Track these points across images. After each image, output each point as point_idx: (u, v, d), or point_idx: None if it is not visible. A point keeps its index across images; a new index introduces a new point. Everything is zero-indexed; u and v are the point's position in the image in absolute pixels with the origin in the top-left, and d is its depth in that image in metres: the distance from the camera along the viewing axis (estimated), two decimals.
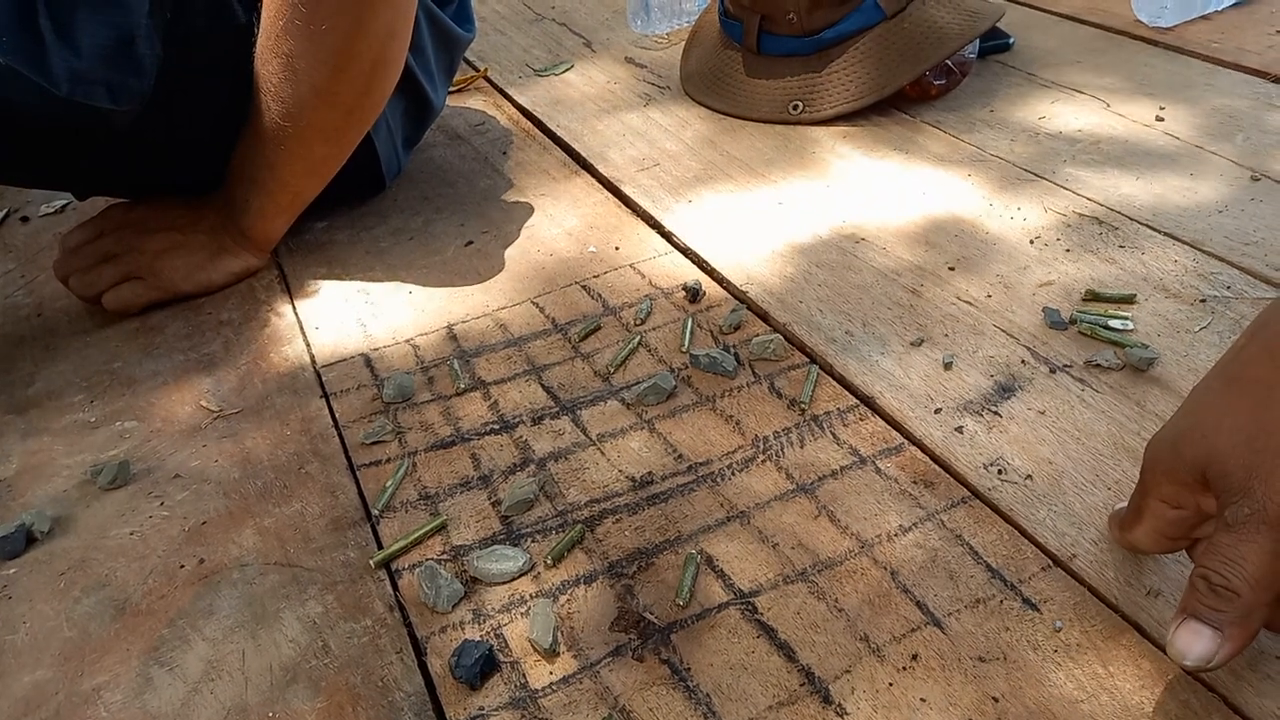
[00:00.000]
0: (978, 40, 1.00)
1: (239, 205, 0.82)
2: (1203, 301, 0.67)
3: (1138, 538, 0.46)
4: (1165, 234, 0.75)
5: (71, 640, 0.52)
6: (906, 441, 0.59)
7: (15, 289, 0.88)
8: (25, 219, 1.00)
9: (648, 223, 0.86)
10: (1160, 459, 0.43)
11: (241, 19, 0.75)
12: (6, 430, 0.69)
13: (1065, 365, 0.63)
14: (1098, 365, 0.62)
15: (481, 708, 0.46)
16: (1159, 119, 0.93)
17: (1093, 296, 0.69)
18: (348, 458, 0.62)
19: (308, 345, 0.74)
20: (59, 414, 0.70)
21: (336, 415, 0.66)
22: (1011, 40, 1.11)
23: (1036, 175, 0.86)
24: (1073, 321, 0.66)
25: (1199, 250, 0.73)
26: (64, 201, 1.02)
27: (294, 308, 0.80)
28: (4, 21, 0.66)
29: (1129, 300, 0.68)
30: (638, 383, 0.65)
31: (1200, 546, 0.43)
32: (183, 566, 0.56)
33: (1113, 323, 0.65)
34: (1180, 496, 0.42)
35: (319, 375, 0.71)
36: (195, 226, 0.83)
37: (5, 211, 1.01)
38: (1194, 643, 0.38)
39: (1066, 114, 0.96)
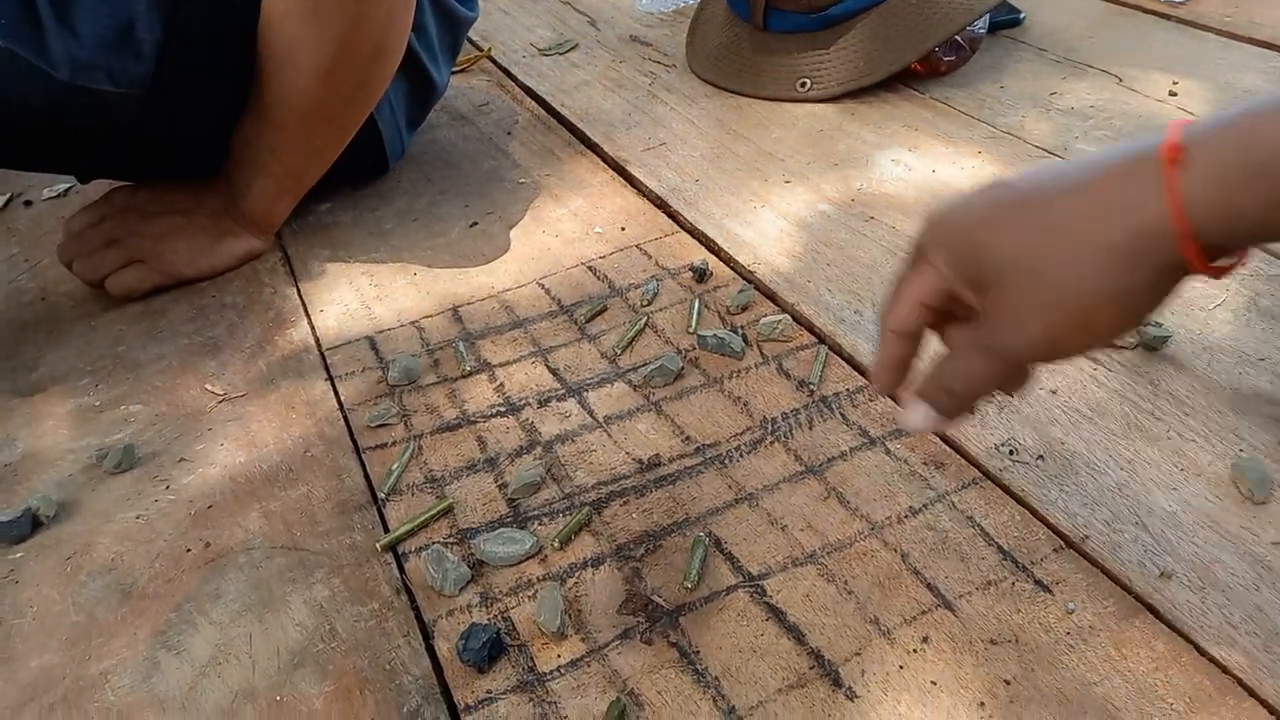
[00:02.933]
0: (988, 15, 0.98)
1: (241, 188, 0.81)
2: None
3: (898, 307, 0.44)
4: None
5: (78, 624, 0.52)
6: None
7: (19, 273, 0.87)
8: (28, 203, 1.00)
9: (654, 203, 0.85)
10: (949, 239, 0.42)
11: (241, 4, 0.74)
12: (12, 414, 0.69)
13: None
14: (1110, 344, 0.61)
15: (489, 691, 0.46)
16: (1172, 94, 0.91)
17: None
18: (353, 440, 0.62)
19: (312, 328, 0.74)
20: (64, 398, 0.69)
21: (342, 398, 0.66)
22: (1022, 15, 1.10)
23: (1048, 152, 0.84)
24: None
25: None
26: (67, 185, 1.01)
27: (298, 290, 0.79)
28: (4, 6, 0.65)
29: None
30: (645, 364, 0.65)
31: (950, 337, 0.44)
32: (189, 550, 0.56)
33: None
34: (947, 280, 0.42)
35: (324, 358, 0.70)
36: (198, 210, 0.82)
37: (8, 195, 1.01)
38: (918, 418, 0.44)
39: (1078, 90, 0.94)
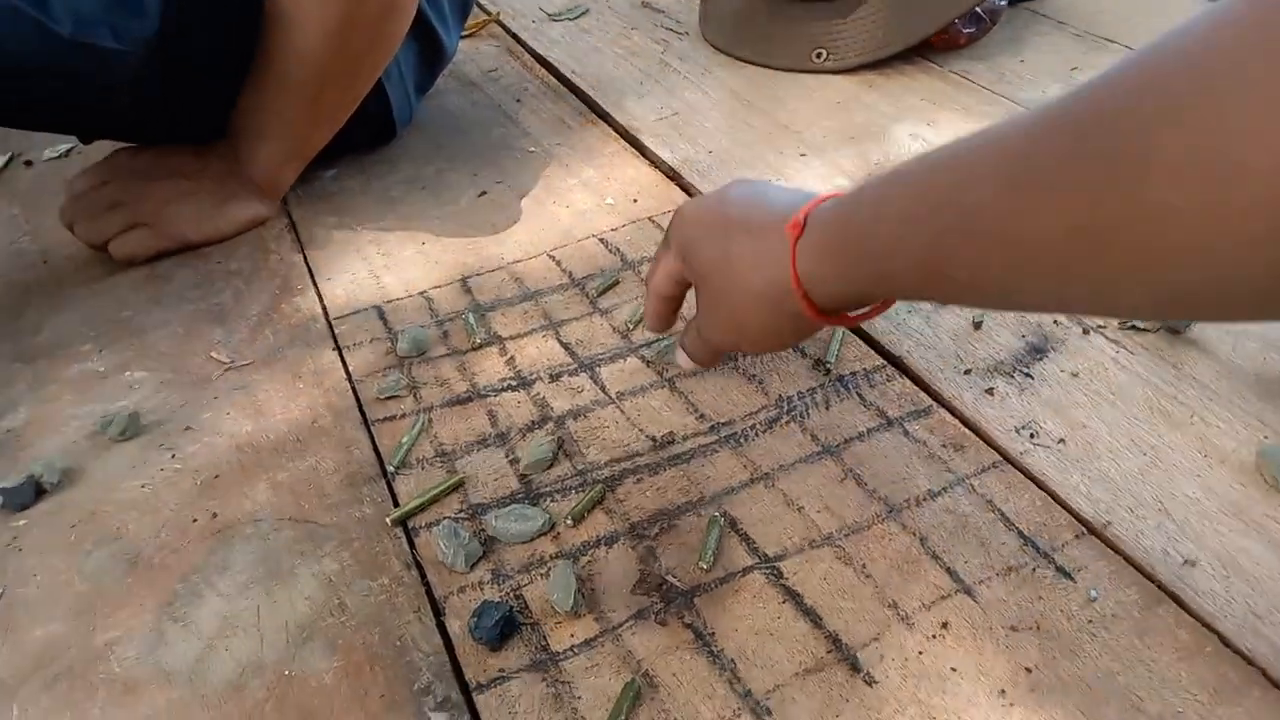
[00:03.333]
0: None
1: (247, 153, 0.79)
2: None
3: (653, 277, 0.56)
4: None
5: (83, 594, 0.51)
6: (935, 403, 0.57)
7: (20, 235, 0.86)
8: (29, 163, 0.98)
9: (667, 174, 0.84)
10: (678, 233, 0.53)
11: None
12: (14, 379, 0.68)
13: (1099, 326, 0.61)
14: (1132, 326, 0.61)
15: (502, 670, 0.45)
16: None
17: None
18: (362, 412, 0.61)
19: (319, 296, 0.73)
20: (67, 363, 0.68)
21: (350, 368, 0.65)
22: None
23: None
24: None
25: None
26: (69, 146, 0.99)
27: (305, 258, 0.78)
28: None
29: None
30: (658, 339, 0.64)
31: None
32: (195, 520, 0.55)
33: None
34: (679, 267, 0.53)
35: (331, 327, 0.69)
36: (203, 174, 0.81)
37: (9, 156, 0.99)
38: (682, 361, 0.57)
39: (1100, 63, 0.92)
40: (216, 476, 0.58)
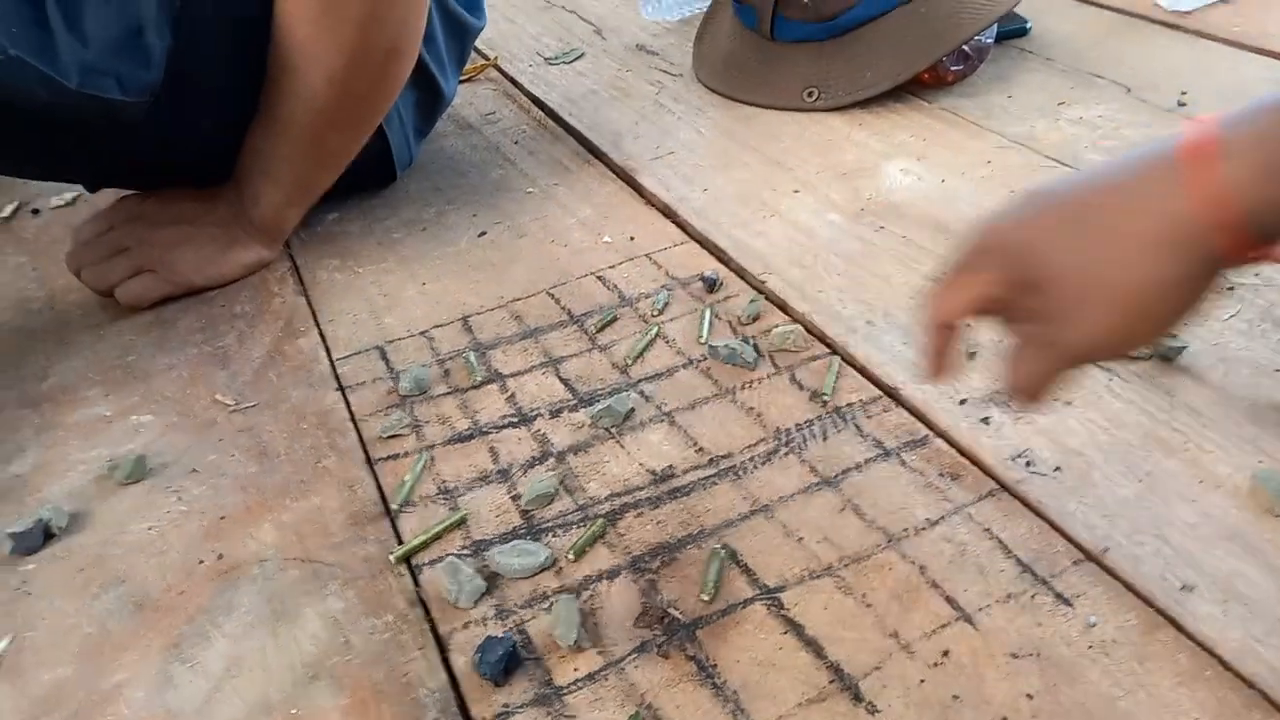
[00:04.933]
0: (995, 25, 0.98)
1: (250, 197, 0.81)
2: (1230, 289, 0.66)
3: (950, 304, 0.46)
4: None
5: (91, 637, 0.52)
6: (931, 433, 0.58)
7: (27, 281, 0.87)
8: (36, 211, 0.99)
9: (663, 212, 0.85)
10: (1000, 246, 0.44)
11: (250, 10, 0.74)
12: (21, 425, 0.68)
13: None
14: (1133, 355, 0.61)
15: (506, 705, 0.45)
16: (1181, 104, 0.91)
17: None
18: (365, 452, 0.62)
19: (322, 338, 0.74)
20: (73, 408, 0.69)
21: (353, 408, 0.66)
22: (1029, 25, 1.10)
23: (1058, 162, 0.84)
24: None
25: None
26: (74, 194, 1.01)
27: (307, 300, 0.79)
28: (12, 12, 0.65)
29: None
30: (657, 375, 0.65)
31: (1018, 333, 0.46)
32: (202, 562, 0.55)
33: None
34: (1001, 285, 0.44)
35: (334, 368, 0.70)
36: (206, 219, 0.82)
37: (16, 204, 1.01)
38: (1020, 396, 0.46)
39: (1087, 99, 0.94)
40: (222, 518, 0.58)
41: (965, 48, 0.98)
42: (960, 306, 0.46)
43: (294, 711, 0.46)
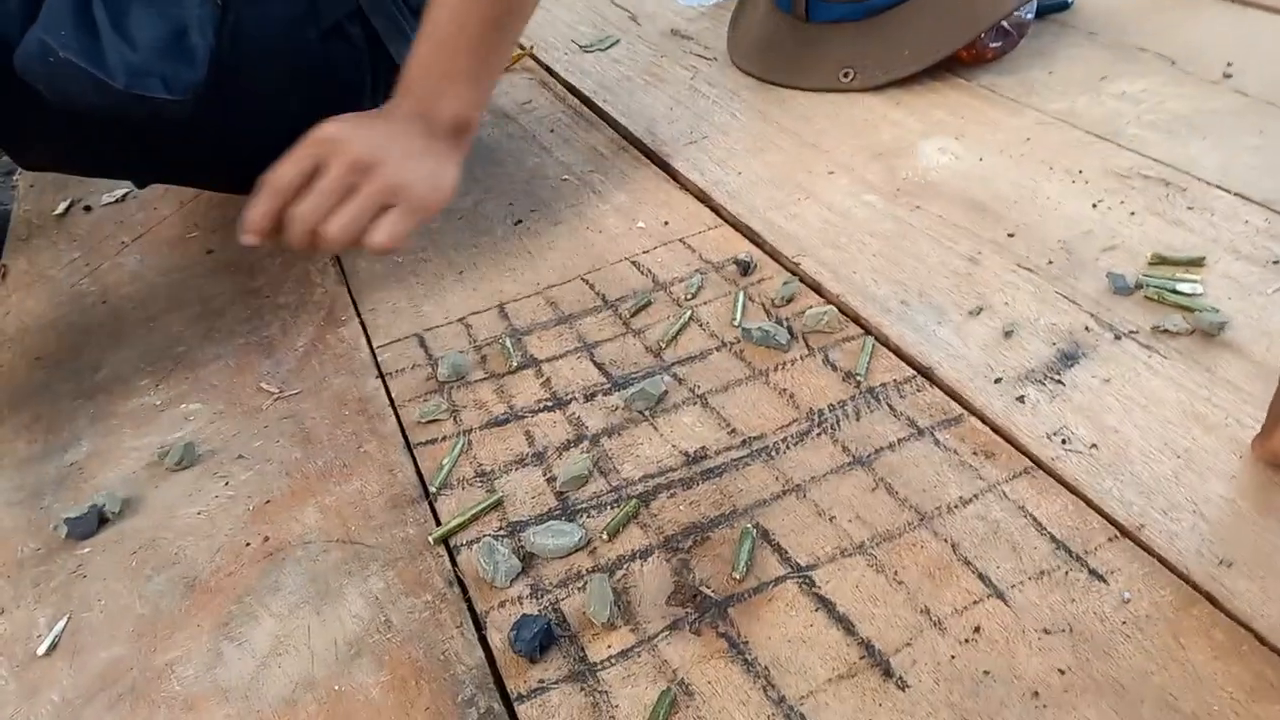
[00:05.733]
0: (1035, 0, 0.97)
1: (435, 104, 0.72)
2: (1275, 263, 0.65)
3: (1276, 447, 0.49)
4: (1235, 194, 0.73)
5: (144, 617, 0.54)
6: (966, 412, 0.57)
7: (80, 277, 0.90)
8: (88, 208, 1.03)
9: (697, 196, 0.85)
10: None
11: (294, 8, 0.76)
12: (77, 414, 0.71)
13: (1131, 331, 0.61)
14: (1165, 330, 0.60)
15: (542, 680, 0.46)
16: (1227, 76, 0.89)
17: (1159, 260, 0.67)
18: (405, 436, 0.63)
19: (363, 326, 0.75)
20: (126, 398, 0.72)
21: (393, 394, 0.67)
22: None
23: (1099, 137, 0.83)
24: (1138, 286, 0.64)
25: (1271, 210, 0.70)
26: (125, 191, 1.04)
27: (348, 289, 0.81)
28: (62, 15, 0.67)
29: (1198, 263, 0.66)
30: (690, 358, 0.65)
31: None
32: (248, 545, 0.57)
33: (1181, 286, 0.63)
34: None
35: (374, 355, 0.72)
36: (411, 137, 0.72)
37: (69, 201, 1.04)
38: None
39: (1130, 73, 0.93)
40: (267, 502, 0.60)
41: (1005, 24, 0.97)
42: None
43: (337, 687, 0.48)
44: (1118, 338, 0.61)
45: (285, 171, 0.69)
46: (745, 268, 0.73)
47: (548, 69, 1.17)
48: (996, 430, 0.56)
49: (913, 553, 0.49)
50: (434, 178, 0.72)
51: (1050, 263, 0.69)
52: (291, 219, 0.68)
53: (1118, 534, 0.48)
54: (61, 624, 0.54)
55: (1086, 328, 0.62)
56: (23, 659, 0.52)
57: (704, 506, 0.54)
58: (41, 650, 0.53)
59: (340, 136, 0.69)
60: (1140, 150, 0.80)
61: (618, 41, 1.20)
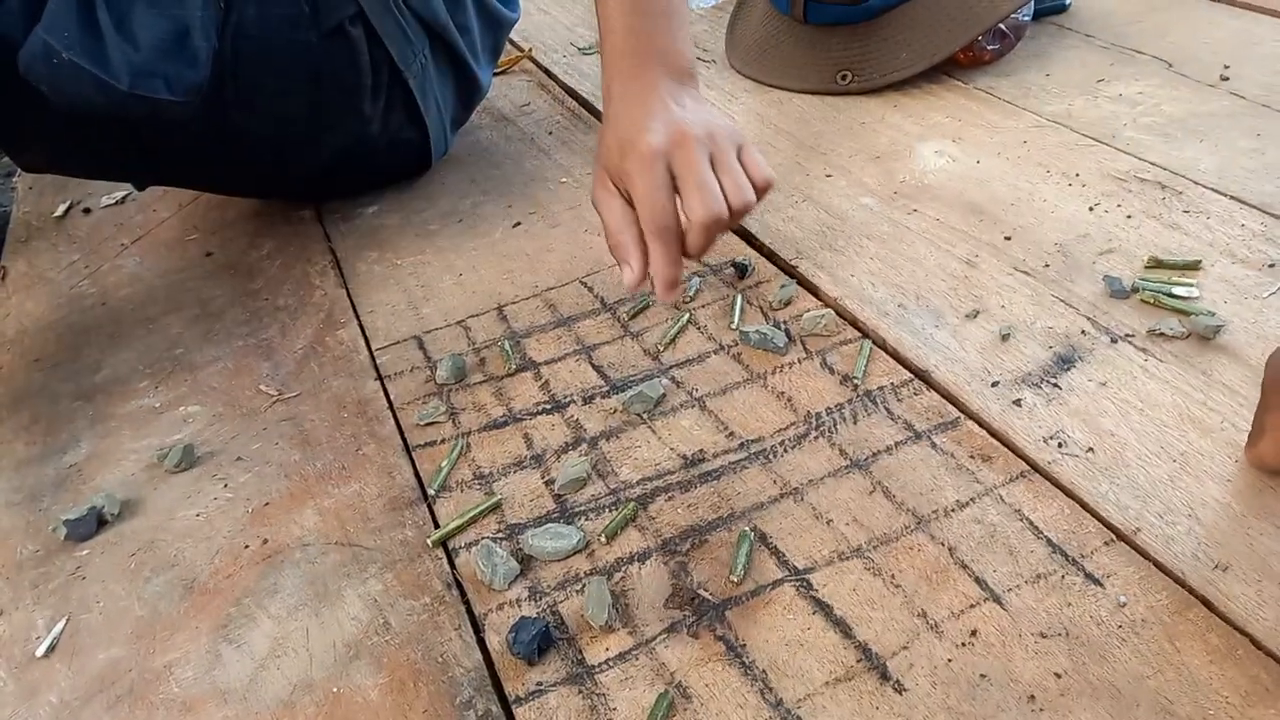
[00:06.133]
0: (1032, 2, 0.97)
1: (673, 53, 0.67)
2: (1271, 266, 0.65)
3: (1263, 454, 0.49)
4: (1231, 197, 0.73)
5: (143, 619, 0.54)
6: (963, 415, 0.58)
7: (80, 279, 0.90)
8: (87, 210, 1.03)
9: None
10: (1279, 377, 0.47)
11: (296, 8, 0.76)
12: (76, 416, 0.71)
13: (1127, 335, 0.61)
14: (1161, 334, 0.61)
15: (540, 683, 0.46)
16: (1224, 78, 0.89)
17: (1156, 264, 0.67)
18: (403, 439, 0.63)
19: (361, 329, 0.75)
20: (125, 400, 0.72)
21: (391, 397, 0.67)
22: (1068, 2, 1.08)
23: (1095, 140, 0.83)
24: (1135, 290, 0.65)
25: (1267, 214, 0.71)
26: (124, 193, 1.04)
27: (347, 292, 0.81)
28: (65, 17, 0.67)
29: (1194, 267, 0.66)
30: (688, 360, 0.65)
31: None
32: (247, 547, 0.57)
33: (1177, 290, 0.64)
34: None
35: (373, 358, 0.72)
36: (679, 95, 0.66)
37: (69, 203, 1.04)
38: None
39: (1126, 76, 0.93)
40: (266, 504, 0.60)
41: (1002, 26, 0.97)
42: (1268, 455, 0.49)
43: (335, 689, 0.48)
44: (1114, 341, 0.61)
45: (659, 203, 0.61)
46: (743, 270, 0.73)
47: (546, 71, 1.17)
48: (993, 434, 0.56)
49: (910, 556, 0.50)
50: (736, 135, 0.65)
51: (1047, 266, 0.69)
52: (695, 229, 0.61)
53: (1114, 538, 0.49)
54: (60, 625, 0.54)
55: (1083, 331, 0.62)
56: (21, 660, 0.53)
57: (702, 509, 0.54)
58: (40, 652, 0.53)
59: (657, 139, 0.62)
60: (1137, 153, 0.80)
61: None
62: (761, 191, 0.64)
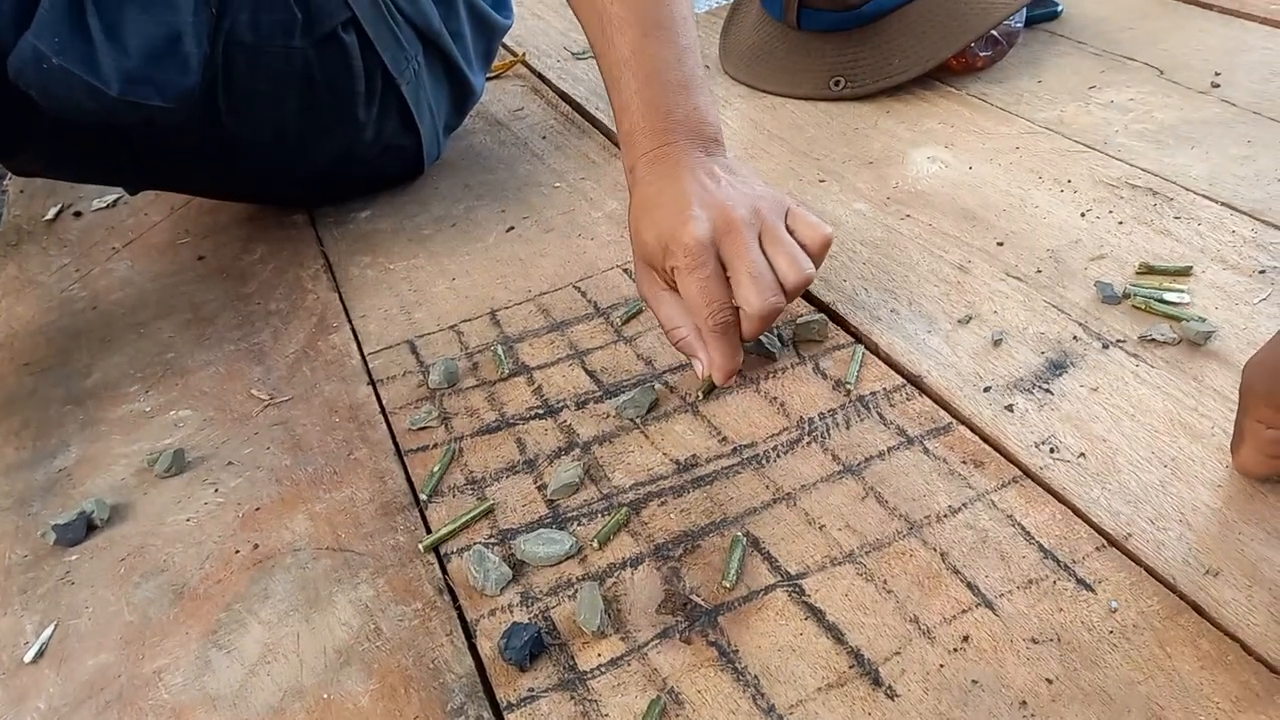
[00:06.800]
0: (1024, 9, 0.97)
1: (696, 117, 0.65)
2: (1262, 273, 0.65)
3: (1244, 460, 0.49)
4: (1222, 204, 0.73)
5: (133, 624, 0.53)
6: (955, 421, 0.58)
7: (70, 283, 0.90)
8: (78, 214, 1.02)
9: None
10: (1257, 383, 0.46)
11: (288, 13, 0.76)
12: (66, 420, 0.71)
13: (1119, 340, 0.62)
14: (1153, 340, 0.61)
15: (531, 689, 0.46)
16: (1215, 85, 0.90)
17: (1147, 270, 0.67)
18: (395, 444, 0.63)
19: (354, 333, 0.75)
20: (116, 404, 0.71)
21: (384, 402, 0.67)
22: (1060, 8, 1.09)
23: (1087, 147, 0.83)
24: (1126, 296, 0.65)
25: (1258, 220, 0.71)
26: (115, 196, 1.04)
27: (340, 296, 0.80)
28: (56, 22, 0.67)
29: (1185, 273, 0.66)
30: (680, 366, 0.65)
31: None
32: (238, 552, 0.57)
33: (1168, 296, 0.64)
34: (1276, 419, 0.45)
35: (366, 362, 0.72)
36: (709, 167, 0.64)
37: (59, 207, 1.04)
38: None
39: (1118, 83, 0.93)
40: (257, 509, 0.60)
41: (994, 33, 0.97)
42: (1248, 462, 0.50)
43: (325, 696, 0.48)
44: (1106, 347, 0.61)
45: (714, 301, 0.59)
46: None
47: (540, 76, 1.17)
48: (985, 439, 0.56)
49: (902, 562, 0.50)
50: (772, 190, 0.65)
51: (1039, 271, 0.69)
52: (752, 320, 0.59)
53: (1105, 543, 0.49)
54: (49, 631, 0.54)
55: (1075, 337, 0.62)
56: (9, 666, 0.52)
57: (694, 515, 0.54)
58: (29, 658, 0.52)
59: (702, 229, 0.59)
60: (1128, 160, 0.81)
61: None
62: (820, 253, 0.61)
